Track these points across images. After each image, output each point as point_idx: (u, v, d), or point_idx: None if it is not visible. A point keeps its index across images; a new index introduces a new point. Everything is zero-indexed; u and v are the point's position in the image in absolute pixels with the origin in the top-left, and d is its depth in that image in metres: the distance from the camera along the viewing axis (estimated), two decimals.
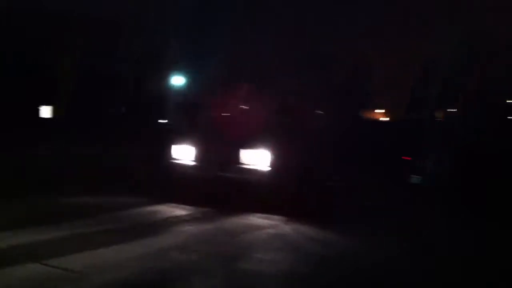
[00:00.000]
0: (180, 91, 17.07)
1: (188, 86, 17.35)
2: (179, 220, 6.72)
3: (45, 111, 14.17)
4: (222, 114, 9.06)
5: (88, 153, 11.22)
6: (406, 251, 5.39)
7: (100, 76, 15.98)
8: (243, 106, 9.27)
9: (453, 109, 13.75)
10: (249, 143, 7.60)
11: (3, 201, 6.74)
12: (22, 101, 13.08)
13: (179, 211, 7.24)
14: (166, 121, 14.73)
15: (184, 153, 8.15)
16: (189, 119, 10.18)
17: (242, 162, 7.54)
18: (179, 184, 8.01)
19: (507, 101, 13.84)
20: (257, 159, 7.47)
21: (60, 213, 6.50)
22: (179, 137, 8.54)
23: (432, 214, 5.14)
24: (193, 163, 8.02)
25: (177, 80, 17.64)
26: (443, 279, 3.39)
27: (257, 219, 6.99)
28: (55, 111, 14.77)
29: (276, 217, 7.05)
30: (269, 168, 7.36)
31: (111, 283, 4.14)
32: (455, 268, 3.58)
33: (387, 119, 17.55)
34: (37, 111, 14.01)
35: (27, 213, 6.40)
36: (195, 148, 8.09)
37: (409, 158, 9.29)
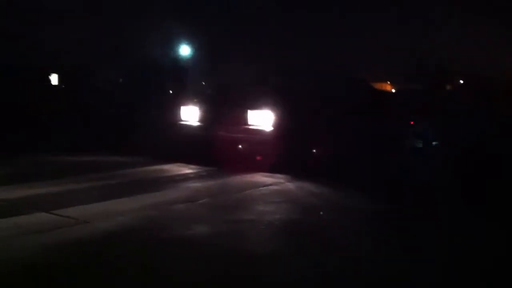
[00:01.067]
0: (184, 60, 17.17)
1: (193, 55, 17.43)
2: (184, 178, 6.89)
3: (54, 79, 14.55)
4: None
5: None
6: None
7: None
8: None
9: None
10: (254, 105, 7.69)
11: (10, 157, 6.99)
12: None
13: (185, 169, 7.42)
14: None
15: (191, 115, 8.30)
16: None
17: (247, 122, 7.63)
18: (186, 144, 8.17)
19: None
20: (261, 119, 7.55)
21: (67, 169, 6.75)
22: (187, 100, 8.71)
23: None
24: (200, 123, 8.16)
25: (184, 50, 17.74)
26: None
27: (262, 178, 7.08)
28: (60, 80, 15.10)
29: (281, 175, 7.13)
30: (272, 128, 7.44)
31: (112, 228, 4.32)
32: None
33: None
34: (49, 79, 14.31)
35: (34, 168, 6.63)
36: (202, 110, 8.24)
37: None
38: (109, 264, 3.54)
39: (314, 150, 7.72)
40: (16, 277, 3.27)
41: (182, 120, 8.42)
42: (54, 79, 14.53)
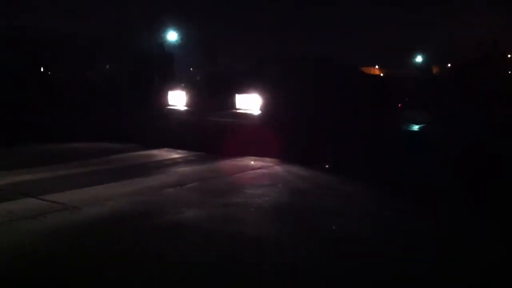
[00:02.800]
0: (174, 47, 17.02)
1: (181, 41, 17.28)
2: (172, 163, 6.86)
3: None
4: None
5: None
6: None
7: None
8: None
9: None
10: (242, 89, 7.65)
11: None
12: None
13: (173, 154, 7.40)
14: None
15: (179, 99, 8.25)
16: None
17: (235, 106, 7.59)
18: (174, 129, 8.12)
19: None
20: (249, 103, 7.51)
21: (56, 156, 6.68)
22: (175, 84, 8.67)
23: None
24: (188, 108, 8.11)
25: (172, 36, 17.55)
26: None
27: (251, 162, 7.09)
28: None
29: (269, 159, 7.14)
30: (260, 112, 7.41)
31: (102, 213, 4.30)
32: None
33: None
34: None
35: (23, 156, 6.57)
36: (190, 94, 8.18)
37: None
38: (105, 249, 3.52)
39: (305, 132, 7.70)
40: (13, 263, 3.25)
41: (169, 105, 8.37)
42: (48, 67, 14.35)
